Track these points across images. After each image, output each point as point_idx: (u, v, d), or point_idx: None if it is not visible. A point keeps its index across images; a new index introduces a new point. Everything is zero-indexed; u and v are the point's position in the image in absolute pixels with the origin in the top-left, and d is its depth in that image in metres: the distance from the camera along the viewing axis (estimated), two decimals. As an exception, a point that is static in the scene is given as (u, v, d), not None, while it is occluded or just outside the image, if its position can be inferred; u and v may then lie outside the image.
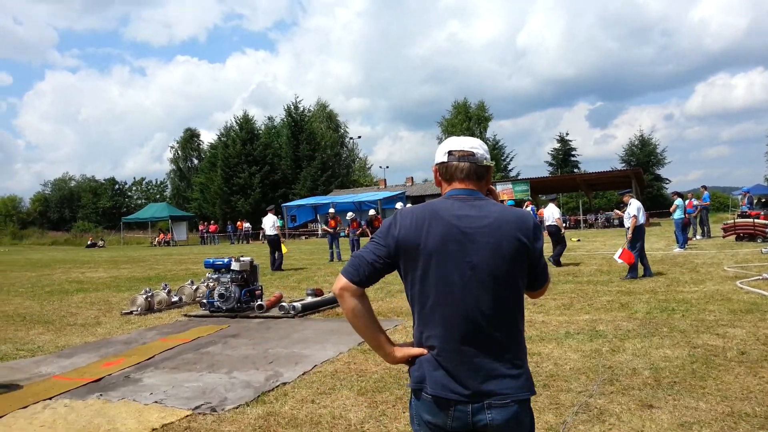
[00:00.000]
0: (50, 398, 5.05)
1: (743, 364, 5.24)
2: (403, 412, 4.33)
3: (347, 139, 67.57)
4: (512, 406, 1.91)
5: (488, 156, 2.14)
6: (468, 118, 62.82)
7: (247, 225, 46.32)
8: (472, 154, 2.09)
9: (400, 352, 2.04)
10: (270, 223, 17.40)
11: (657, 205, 50.57)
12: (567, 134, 70.17)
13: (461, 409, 1.90)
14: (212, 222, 50.15)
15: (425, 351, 1.98)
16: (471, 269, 1.94)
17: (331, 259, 19.55)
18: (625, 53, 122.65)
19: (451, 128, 63.32)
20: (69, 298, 12.26)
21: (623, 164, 61.17)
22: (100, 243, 50.19)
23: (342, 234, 22.02)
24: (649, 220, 34.39)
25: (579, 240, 26.04)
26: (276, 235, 17.22)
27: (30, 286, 15.18)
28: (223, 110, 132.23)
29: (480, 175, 2.09)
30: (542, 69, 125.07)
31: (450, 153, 2.10)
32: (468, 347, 1.92)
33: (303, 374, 5.50)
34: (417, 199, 42.63)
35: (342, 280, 1.99)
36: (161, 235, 48.94)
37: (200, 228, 48.64)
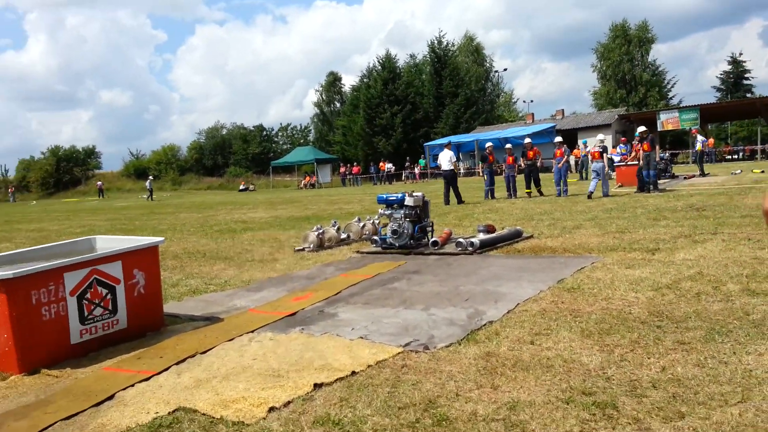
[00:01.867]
0: (253, 331, 4.98)
1: None
2: (647, 358, 3.71)
3: (492, 73, 65.22)
4: None
5: None
6: (627, 42, 57.90)
7: (389, 165, 46.64)
8: None
9: None
10: (447, 158, 17.70)
11: None
12: (741, 54, 62.66)
13: None
14: (355, 164, 51.14)
15: None
16: None
17: (486, 197, 18.90)
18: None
19: (608, 53, 58.82)
20: (239, 236, 12.70)
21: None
22: (251, 187, 53.11)
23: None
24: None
25: (763, 171, 23.25)
26: (452, 170, 17.43)
27: (199, 226, 16.02)
28: (360, 53, 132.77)
29: None
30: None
31: None
32: None
33: (507, 313, 5.01)
34: (568, 133, 40.32)
35: None
36: (307, 178, 50.75)
37: (342, 170, 49.73)
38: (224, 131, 79.05)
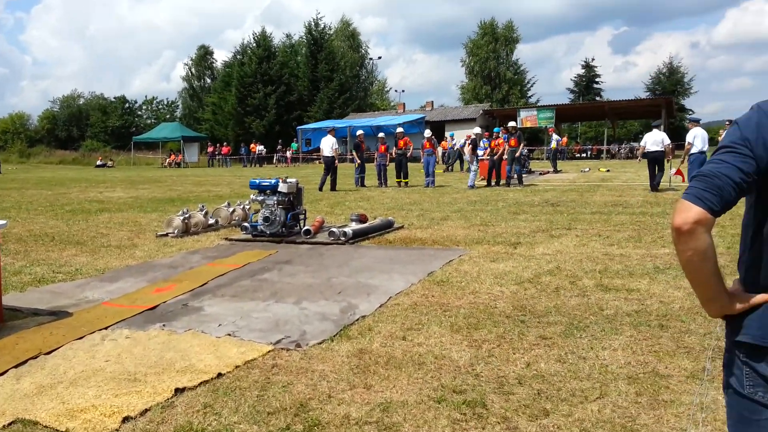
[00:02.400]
0: (106, 327, 4.57)
1: None
2: (513, 354, 3.83)
3: (367, 60, 65.55)
4: None
5: None
6: (495, 39, 60.50)
7: (260, 148, 45.54)
8: None
9: (741, 300, 1.51)
10: (329, 144, 17.71)
11: (680, 136, 49.34)
12: (593, 59, 67.80)
13: None
14: (225, 144, 49.40)
15: None
16: None
17: (357, 185, 18.99)
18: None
19: (476, 50, 61.15)
20: (94, 218, 11.78)
21: (648, 93, 59.47)
22: (110, 163, 49.67)
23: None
24: (674, 152, 33.55)
25: (608, 170, 25.30)
26: (333, 157, 17.46)
27: (49, 205, 14.69)
28: (234, 28, 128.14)
29: None
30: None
31: None
32: None
33: (380, 307, 4.99)
34: (436, 125, 41.52)
35: (694, 210, 1.40)
36: (172, 156, 48.31)
37: (210, 150, 47.87)
38: (81, 101, 73.34)
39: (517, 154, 18.30)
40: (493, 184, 18.11)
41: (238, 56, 59.48)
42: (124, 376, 3.59)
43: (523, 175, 22.08)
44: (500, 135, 18.28)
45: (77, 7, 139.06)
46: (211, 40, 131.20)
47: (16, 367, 3.80)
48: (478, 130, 19.37)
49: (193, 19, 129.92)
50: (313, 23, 56.47)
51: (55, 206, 14.37)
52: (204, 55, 70.89)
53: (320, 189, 17.32)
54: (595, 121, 51.14)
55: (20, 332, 4.51)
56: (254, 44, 56.19)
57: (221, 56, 74.87)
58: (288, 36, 62.71)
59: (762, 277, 1.49)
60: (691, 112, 59.82)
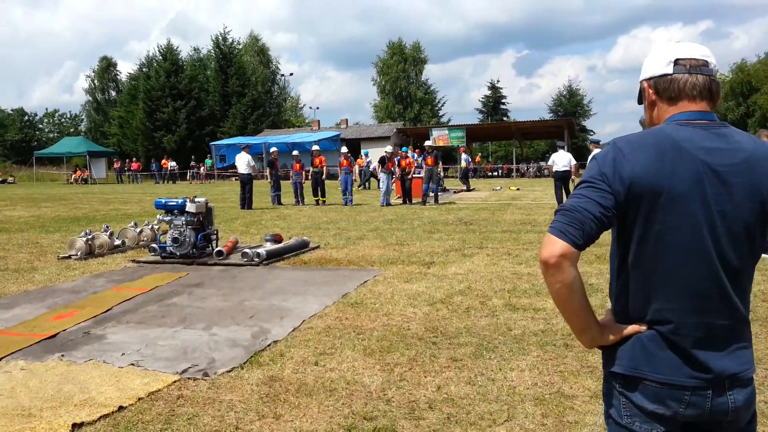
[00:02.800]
0: (0, 358, 4.29)
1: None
2: (424, 377, 3.90)
3: (278, 76, 65.11)
4: (750, 384, 1.56)
5: (718, 68, 1.63)
6: (404, 60, 61.63)
7: (172, 164, 44.19)
8: (706, 64, 1.57)
9: (613, 331, 1.58)
10: (244, 161, 17.44)
11: (583, 156, 51.90)
12: (498, 81, 70.53)
13: (700, 394, 1.50)
14: (134, 159, 47.57)
15: (643, 328, 1.55)
16: (722, 219, 1.49)
17: (273, 203, 18.78)
18: (555, 1, 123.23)
19: (386, 69, 62.02)
20: (-11, 239, 11.04)
21: (551, 114, 62.20)
22: (10, 179, 46.68)
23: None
24: (579, 171, 35.41)
25: (518, 189, 26.24)
26: (249, 174, 17.26)
27: (-61, 224, 13.65)
28: (138, 39, 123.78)
29: (713, 92, 1.58)
30: (473, 13, 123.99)
31: (677, 62, 1.56)
32: (713, 320, 1.52)
33: (293, 331, 4.95)
34: (351, 142, 41.75)
35: (559, 244, 1.46)
36: (78, 172, 46.00)
37: (116, 165, 45.96)
38: (-26, 113, 68.65)
39: (439, 174, 18.72)
40: (407, 202, 18.39)
41: (143, 69, 57.57)
42: (18, 411, 3.38)
43: (439, 194, 22.66)
44: (408, 154, 18.67)
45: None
46: (114, 51, 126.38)
47: None
48: (389, 148, 19.66)
49: (95, 28, 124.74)
50: (221, 37, 55.67)
51: (-56, 226, 13.36)
52: (107, 66, 68.11)
53: (242, 207, 17.02)
54: (504, 140, 52.98)
55: None
56: (160, 57, 54.59)
57: (126, 68, 71.98)
58: (196, 50, 61.52)
59: (630, 307, 1.59)
60: (591, 133, 63.09)
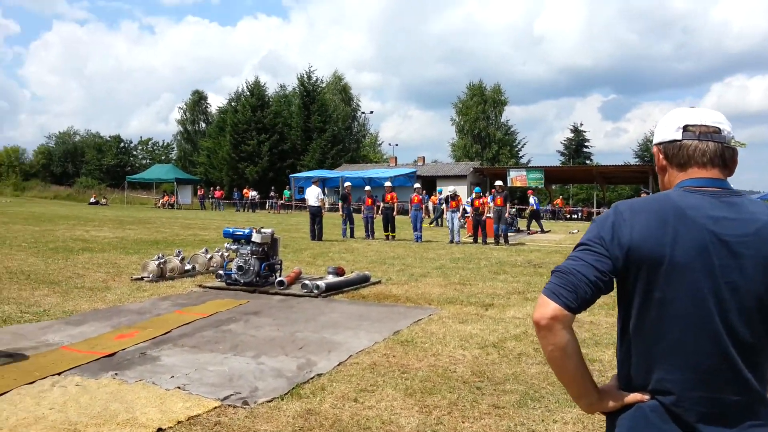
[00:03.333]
0: (59, 373, 4.52)
1: None
2: (462, 422, 3.80)
3: (359, 114, 66.62)
4: None
5: (733, 135, 1.56)
6: (483, 101, 61.73)
7: (253, 193, 45.72)
8: (718, 131, 1.52)
9: (614, 398, 1.51)
10: (314, 194, 17.96)
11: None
12: (581, 125, 69.24)
13: None
14: (218, 188, 49.59)
15: (646, 397, 1.47)
16: (731, 292, 1.39)
17: (344, 236, 19.04)
18: (643, 47, 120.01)
19: (466, 110, 62.26)
20: (74, 258, 11.73)
21: (637, 159, 60.37)
22: (103, 201, 49.63)
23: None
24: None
25: (577, 231, 25.53)
26: (319, 207, 17.69)
27: (33, 241, 14.64)
28: (231, 75, 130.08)
29: (726, 159, 1.52)
30: (558, 57, 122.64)
31: (686, 129, 1.52)
32: (722, 395, 1.41)
33: (338, 365, 4.96)
34: (427, 180, 41.89)
35: (551, 306, 1.43)
36: (165, 198, 48.40)
37: (199, 192, 48.03)
38: (77, 138, 73.72)
39: (507, 214, 18.51)
40: (479, 242, 18.20)
41: (232, 103, 60.32)
42: (65, 426, 3.53)
43: (511, 234, 22.30)
44: (482, 194, 18.57)
45: (75, 46, 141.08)
46: (209, 85, 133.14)
47: (-42, 411, 3.74)
48: (452, 188, 19.72)
49: (192, 64, 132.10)
50: (305, 75, 57.66)
51: (39, 243, 14.30)
52: (198, 100, 71.82)
53: (312, 238, 17.40)
54: (586, 184, 51.69)
55: (-29, 374, 4.45)
56: (248, 92, 57.09)
57: (216, 101, 75.35)
58: (282, 86, 63.91)
59: (633, 375, 1.51)
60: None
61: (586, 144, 67.19)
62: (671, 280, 1.42)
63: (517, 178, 39.76)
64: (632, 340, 1.50)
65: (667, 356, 1.44)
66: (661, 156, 1.60)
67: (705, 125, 1.52)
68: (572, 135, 67.18)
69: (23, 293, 7.89)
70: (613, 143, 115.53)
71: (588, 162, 61.61)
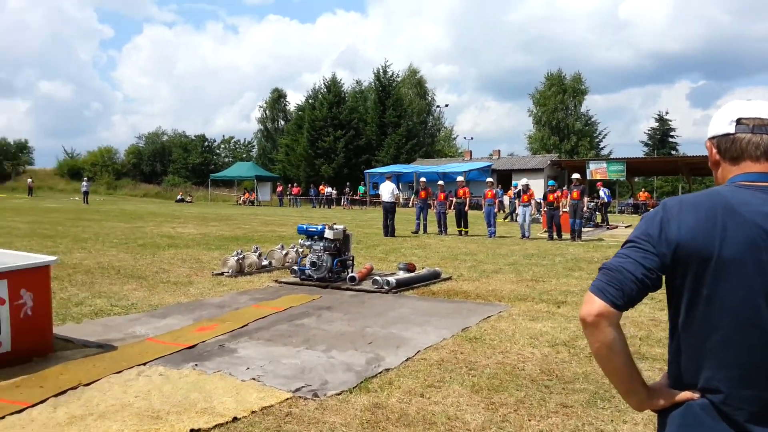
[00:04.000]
0: (144, 363, 4.83)
1: None
2: (528, 420, 3.80)
3: (434, 108, 66.44)
4: None
5: None
6: (562, 91, 60.11)
7: (329, 189, 46.54)
8: None
9: (664, 396, 1.53)
10: (388, 190, 18.16)
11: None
12: (666, 113, 66.32)
13: None
14: (295, 184, 50.82)
15: (696, 395, 1.47)
16: None
17: (417, 231, 19.12)
18: (737, 28, 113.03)
19: (543, 101, 60.81)
20: (161, 253, 12.37)
21: (727, 148, 57.23)
22: (189, 198, 51.91)
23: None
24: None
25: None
26: (393, 202, 17.86)
27: (123, 238, 15.53)
28: (311, 71, 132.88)
29: None
30: (644, 42, 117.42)
31: (740, 122, 1.50)
32: None
33: (406, 360, 5.05)
34: (503, 174, 41.35)
35: (597, 303, 1.45)
36: (246, 195, 50.05)
37: (278, 189, 49.32)
38: (165, 138, 77.26)
39: (584, 208, 18.05)
40: (554, 237, 17.85)
41: (310, 100, 61.50)
42: (149, 413, 3.79)
43: (589, 229, 21.71)
44: (556, 187, 18.14)
45: (164, 48, 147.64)
46: (289, 82, 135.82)
47: (56, 396, 4.08)
48: (524, 180, 19.29)
49: (273, 62, 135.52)
50: (381, 71, 57.94)
51: (129, 240, 15.16)
52: (278, 98, 73.66)
53: (385, 234, 17.59)
54: (670, 176, 49.52)
55: (67, 363, 4.83)
56: (325, 89, 58.03)
57: (296, 98, 76.93)
58: (358, 82, 64.52)
59: (683, 373, 1.51)
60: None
61: (671, 134, 64.39)
62: (720, 277, 1.41)
63: (597, 170, 38.58)
64: (682, 338, 1.51)
65: (716, 354, 1.44)
66: (714, 150, 1.58)
67: (760, 118, 1.50)
68: (657, 124, 64.54)
69: (113, 287, 8.41)
70: (702, 132, 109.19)
71: (674, 152, 58.96)
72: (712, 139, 1.59)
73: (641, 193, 41.54)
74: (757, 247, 1.39)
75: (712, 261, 1.41)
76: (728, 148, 1.54)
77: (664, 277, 1.51)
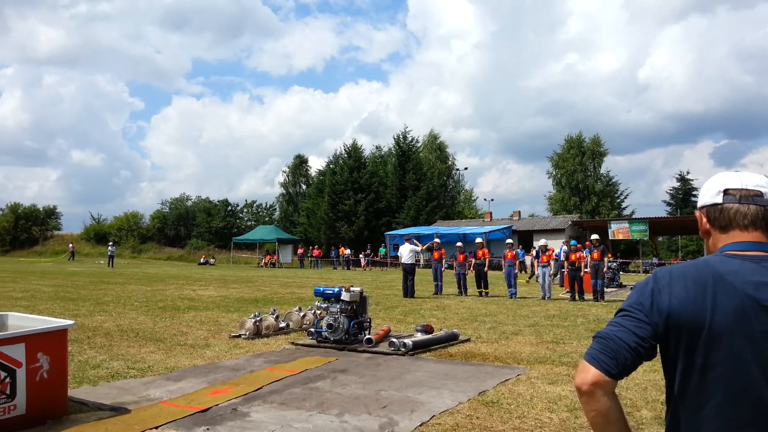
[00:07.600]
0: (157, 427, 4.81)
1: None
2: (543, 488, 3.69)
3: (454, 171, 67.12)
4: None
5: None
6: (581, 153, 60.50)
7: (347, 251, 46.69)
8: (760, 195, 1.53)
9: None
10: (408, 251, 18.31)
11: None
12: (688, 173, 66.25)
13: None
14: (316, 246, 51.09)
15: None
16: None
17: (436, 292, 19.02)
18: (760, 88, 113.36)
19: (562, 163, 61.24)
20: (180, 316, 12.43)
21: (752, 207, 56.62)
22: (212, 261, 52.41)
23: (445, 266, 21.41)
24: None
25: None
26: (412, 264, 18.00)
27: (144, 301, 15.66)
28: (334, 138, 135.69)
29: None
30: (665, 104, 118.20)
31: (727, 192, 1.55)
32: None
33: (420, 425, 4.96)
34: (524, 234, 41.19)
35: (592, 372, 1.46)
36: (267, 257, 50.41)
37: (299, 251, 49.63)
38: (189, 203, 78.73)
39: (605, 269, 17.85)
40: (576, 298, 17.61)
41: (331, 165, 62.57)
42: (157, 478, 3.75)
43: (612, 289, 21.35)
44: (578, 247, 18.01)
45: (192, 118, 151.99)
46: (312, 148, 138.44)
47: (66, 460, 4.07)
48: (543, 241, 19.20)
49: (297, 130, 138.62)
50: (401, 136, 59.03)
51: (150, 302, 15.29)
52: (300, 163, 75.20)
53: (405, 296, 17.54)
54: (695, 235, 48.90)
55: (80, 425, 4.84)
56: (346, 155, 59.12)
57: (317, 164, 78.52)
58: (378, 147, 65.74)
59: None
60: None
61: (694, 193, 64.02)
62: (712, 347, 1.41)
63: (619, 230, 38.25)
64: (678, 406, 1.50)
65: (710, 423, 1.42)
66: (704, 220, 1.62)
67: (746, 189, 1.54)
68: (678, 184, 64.31)
69: (131, 350, 8.44)
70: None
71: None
72: (701, 209, 1.63)
73: (674, 258, 40.87)
74: (747, 317, 1.40)
75: (704, 330, 1.42)
76: (717, 217, 1.57)
77: (658, 346, 1.51)
